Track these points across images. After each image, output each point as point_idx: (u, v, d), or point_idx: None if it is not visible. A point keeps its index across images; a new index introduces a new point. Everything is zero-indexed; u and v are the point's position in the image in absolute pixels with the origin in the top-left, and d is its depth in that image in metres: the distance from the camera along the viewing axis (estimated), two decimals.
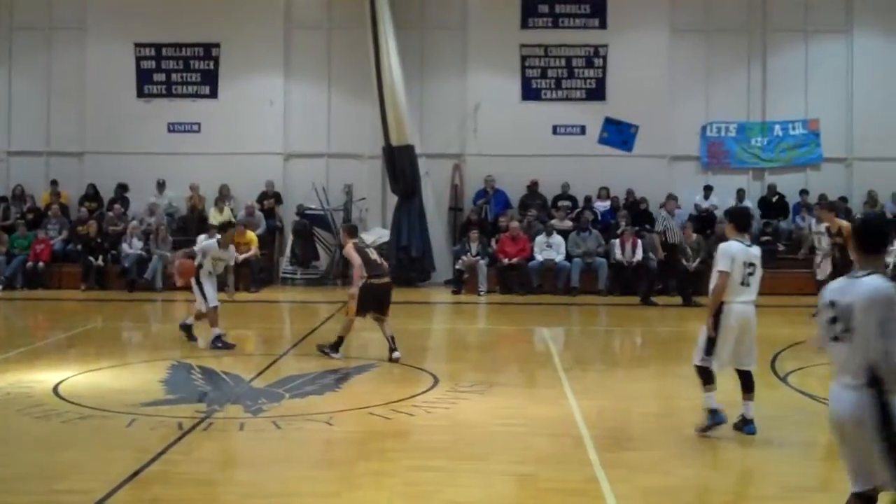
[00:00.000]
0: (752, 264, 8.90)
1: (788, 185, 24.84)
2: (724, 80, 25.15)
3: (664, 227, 20.79)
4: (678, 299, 20.31)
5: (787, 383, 11.89)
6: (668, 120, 24.69)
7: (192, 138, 25.08)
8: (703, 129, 25.13)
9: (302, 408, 10.26)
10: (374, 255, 13.37)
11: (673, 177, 24.78)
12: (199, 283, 14.10)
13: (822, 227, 18.53)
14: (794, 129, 25.14)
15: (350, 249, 13.32)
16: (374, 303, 13.12)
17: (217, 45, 25.28)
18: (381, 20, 23.11)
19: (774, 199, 24.61)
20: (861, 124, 24.76)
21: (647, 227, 23.39)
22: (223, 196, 24.28)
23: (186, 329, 14.58)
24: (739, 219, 9.38)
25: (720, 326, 8.86)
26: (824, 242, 18.07)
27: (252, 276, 22.23)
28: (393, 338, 13.16)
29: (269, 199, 24.45)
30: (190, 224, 23.94)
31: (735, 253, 8.91)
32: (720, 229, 21.92)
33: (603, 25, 25.13)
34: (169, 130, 25.20)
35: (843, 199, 24.24)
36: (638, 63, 24.73)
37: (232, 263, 14.71)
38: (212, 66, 25.38)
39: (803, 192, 24.33)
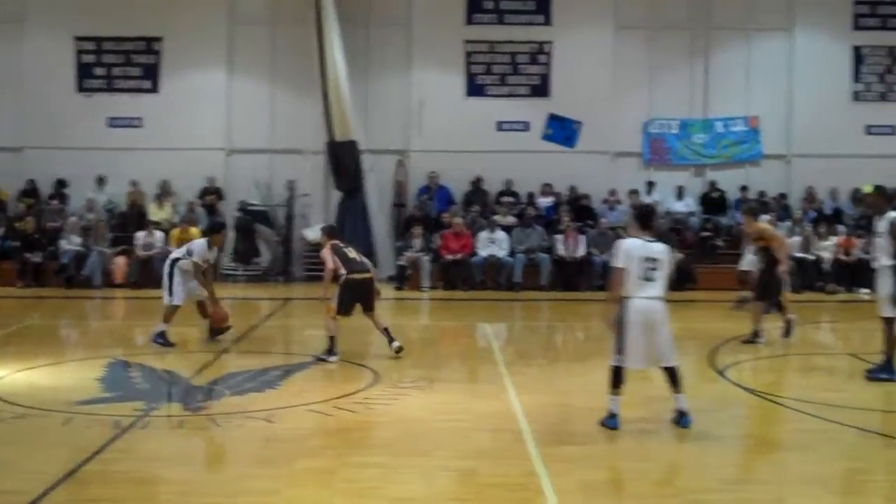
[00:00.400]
0: (652, 259, 8.99)
1: (729, 182, 25.12)
2: (667, 77, 25.36)
3: (627, 223, 20.85)
4: None
5: (725, 377, 12.03)
6: (611, 116, 24.87)
7: (132, 133, 24.81)
8: (646, 125, 25.33)
9: (242, 405, 10.16)
10: (352, 254, 13.24)
11: (615, 173, 25.00)
12: (171, 278, 13.97)
13: None
14: (735, 126, 25.43)
15: (325, 251, 13.19)
16: (355, 298, 12.97)
17: (159, 39, 25.06)
18: (325, 15, 23.02)
19: (715, 196, 24.87)
20: (800, 121, 25.13)
21: (590, 222, 23.58)
22: (164, 192, 24.07)
23: (216, 333, 14.32)
24: (642, 217, 9.50)
25: (623, 322, 8.96)
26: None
27: None
28: (387, 329, 13.12)
29: (211, 195, 24.25)
30: (130, 220, 23.73)
31: (630, 249, 9.04)
32: (661, 225, 22.21)
33: (548, 22, 25.28)
34: (109, 125, 24.95)
35: (783, 196, 24.59)
36: (582, 60, 24.92)
37: (212, 262, 14.53)
38: (154, 61, 25.14)
39: (744, 189, 24.59)
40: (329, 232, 13.83)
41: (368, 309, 13.14)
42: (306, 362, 12.79)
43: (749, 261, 18.43)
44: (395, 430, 9.29)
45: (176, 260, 14.16)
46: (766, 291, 14.45)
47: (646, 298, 8.94)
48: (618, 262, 9.06)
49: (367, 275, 13.16)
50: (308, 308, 20.05)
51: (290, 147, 24.61)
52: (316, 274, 23.63)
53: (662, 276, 9.04)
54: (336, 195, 24.08)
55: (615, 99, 24.92)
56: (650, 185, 24.49)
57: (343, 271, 12.90)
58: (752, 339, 14.45)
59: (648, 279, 8.97)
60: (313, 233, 23.92)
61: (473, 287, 22.20)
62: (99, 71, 25.13)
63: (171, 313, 13.99)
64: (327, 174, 24.34)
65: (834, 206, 24.76)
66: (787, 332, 14.52)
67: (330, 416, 9.77)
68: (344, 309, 12.92)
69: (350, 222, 23.45)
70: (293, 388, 11.18)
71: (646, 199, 24.08)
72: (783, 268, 14.39)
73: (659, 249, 9.12)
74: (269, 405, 10.13)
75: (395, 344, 12.99)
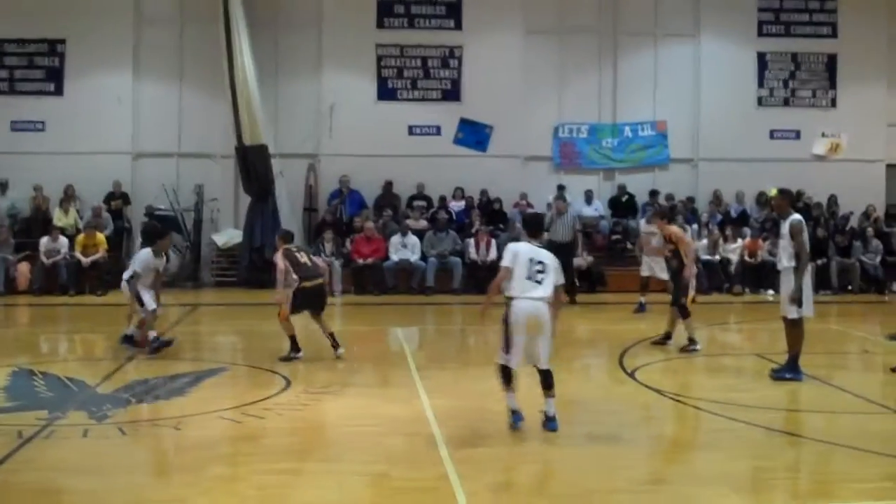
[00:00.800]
0: (540, 262, 9.14)
1: (638, 185, 25.45)
2: (577, 81, 25.61)
3: (548, 225, 20.92)
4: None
5: (635, 378, 12.14)
6: (521, 120, 25.01)
7: (36, 137, 24.27)
8: (556, 129, 25.55)
9: (149, 413, 10.04)
10: (303, 259, 13.34)
11: (526, 177, 25.17)
12: (136, 294, 13.54)
13: (652, 227, 19.26)
14: (642, 130, 25.79)
15: (278, 255, 13.24)
16: (306, 304, 13.17)
17: (63, 41, 24.56)
18: (233, 17, 22.71)
19: (624, 199, 25.17)
20: (707, 126, 25.59)
21: (502, 226, 23.70)
22: (69, 197, 23.59)
23: (129, 340, 13.87)
24: (530, 225, 9.95)
25: (509, 322, 9.06)
26: (654, 242, 18.71)
27: (99, 278, 21.67)
28: (333, 335, 13.29)
29: (117, 200, 23.84)
30: (34, 226, 23.21)
31: (518, 250, 9.23)
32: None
33: (458, 26, 25.34)
34: (12, 129, 24.36)
35: (690, 199, 25.00)
36: (492, 64, 25.03)
37: (161, 269, 14.21)
38: (57, 63, 24.64)
39: (653, 193, 24.88)
40: (283, 237, 13.90)
41: (318, 314, 13.38)
42: (216, 368, 12.65)
43: (648, 265, 18.91)
44: (306, 436, 9.23)
45: (130, 279, 13.71)
46: (677, 294, 14.50)
47: (531, 299, 9.04)
48: (504, 261, 9.24)
49: (318, 281, 13.31)
50: (217, 314, 19.84)
51: (199, 151, 24.34)
52: (224, 279, 23.57)
53: (549, 280, 9.13)
54: (246, 200, 23.81)
55: (525, 103, 25.07)
56: (560, 188, 24.61)
57: (295, 277, 13.00)
58: (663, 340, 14.56)
59: (535, 281, 9.07)
60: (222, 238, 23.70)
61: (385, 291, 22.17)
62: (0, 73, 24.56)
63: (151, 320, 13.58)
64: (237, 178, 24.08)
65: (740, 209, 25.22)
66: (688, 347, 14.12)
67: (239, 422, 9.65)
68: (297, 311, 13.15)
69: (260, 227, 23.21)
70: (202, 395, 11.02)
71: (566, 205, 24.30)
72: (688, 272, 14.40)
73: (546, 255, 9.26)
74: (177, 413, 9.99)
75: (340, 350, 13.22)
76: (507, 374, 9.18)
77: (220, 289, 23.23)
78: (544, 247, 9.50)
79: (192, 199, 24.22)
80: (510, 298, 9.11)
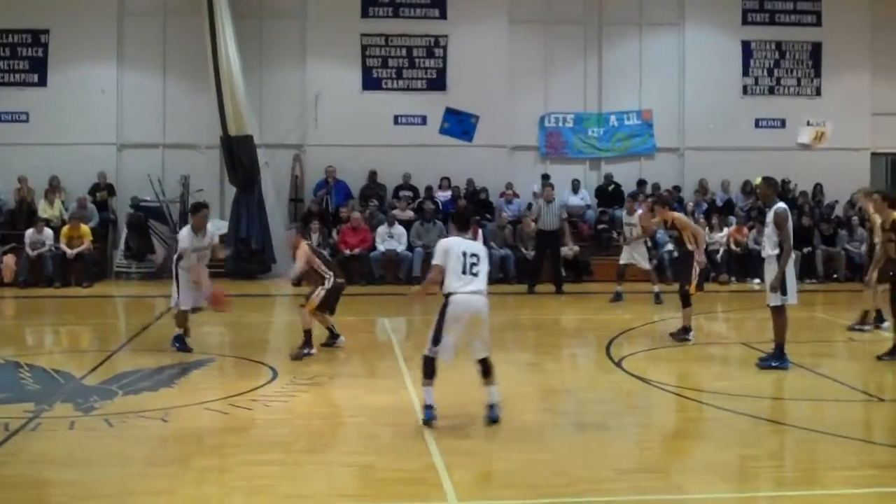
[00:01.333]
0: (474, 255, 9.07)
1: (624, 175, 25.46)
2: (562, 71, 25.58)
3: (538, 214, 20.97)
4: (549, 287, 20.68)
5: (622, 367, 12.16)
6: (507, 110, 25.01)
7: (19, 128, 24.12)
8: (542, 119, 25.54)
9: (136, 404, 9.98)
10: (327, 255, 13.35)
11: (513, 166, 25.17)
12: (176, 279, 13.15)
13: (633, 218, 19.43)
14: (628, 119, 25.80)
15: (304, 252, 13.03)
16: (334, 300, 13.13)
17: (46, 32, 24.38)
18: (217, 7, 22.60)
19: (610, 188, 25.18)
20: (692, 115, 25.62)
21: (488, 216, 23.69)
22: (53, 188, 23.49)
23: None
24: (458, 219, 9.65)
25: (445, 317, 8.96)
26: (634, 233, 19.01)
27: (85, 270, 21.61)
28: (332, 326, 13.33)
29: (102, 191, 23.76)
30: (18, 217, 23.12)
31: (449, 246, 9.11)
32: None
33: (443, 16, 25.28)
34: None
35: (677, 188, 25.00)
36: (478, 54, 24.99)
37: (205, 248, 13.42)
38: (41, 54, 24.47)
39: (641, 183, 24.86)
40: (302, 233, 13.99)
41: (332, 312, 13.34)
42: (203, 360, 12.63)
43: (629, 253, 19.02)
44: (292, 427, 9.21)
45: (178, 259, 13.29)
46: (683, 281, 14.36)
47: (468, 293, 8.96)
48: (435, 259, 9.12)
49: (343, 278, 13.28)
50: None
51: (184, 142, 24.26)
52: (210, 270, 23.39)
53: (483, 272, 9.09)
54: (231, 190, 23.76)
55: (511, 93, 25.07)
56: (546, 178, 24.59)
57: (328, 273, 12.95)
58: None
59: (471, 273, 9.00)
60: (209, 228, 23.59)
61: (372, 282, 22.16)
62: None
63: (181, 318, 13.23)
64: (222, 169, 24.03)
65: (725, 198, 25.28)
66: (680, 335, 14.12)
67: (226, 414, 9.64)
68: (323, 308, 13.04)
69: (246, 218, 23.19)
70: (189, 387, 11.03)
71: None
72: (701, 257, 14.17)
73: (478, 247, 9.24)
74: (164, 404, 9.97)
75: (342, 339, 13.37)
76: (430, 367, 9.08)
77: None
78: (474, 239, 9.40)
79: (178, 190, 24.12)
80: (448, 294, 8.99)
